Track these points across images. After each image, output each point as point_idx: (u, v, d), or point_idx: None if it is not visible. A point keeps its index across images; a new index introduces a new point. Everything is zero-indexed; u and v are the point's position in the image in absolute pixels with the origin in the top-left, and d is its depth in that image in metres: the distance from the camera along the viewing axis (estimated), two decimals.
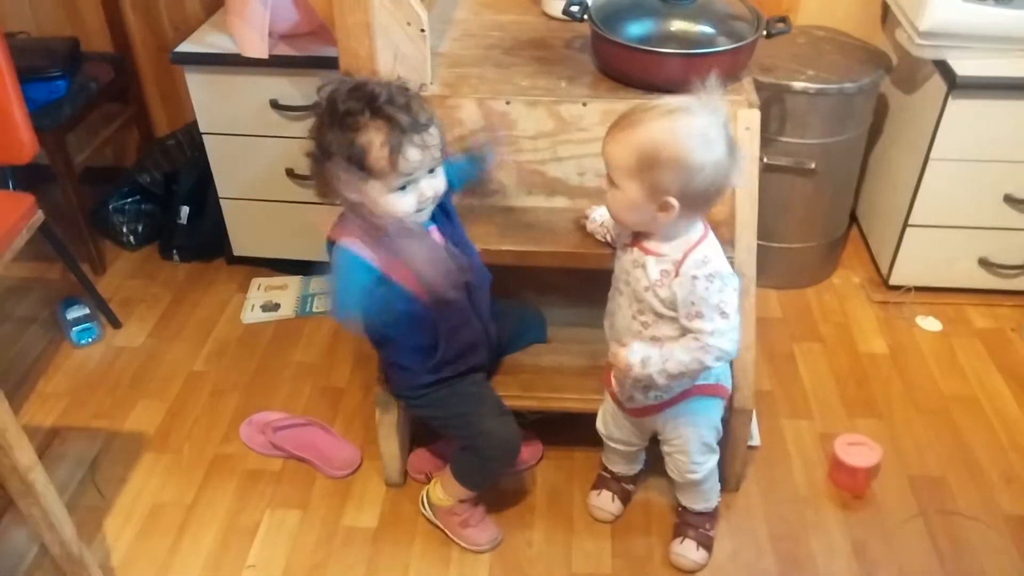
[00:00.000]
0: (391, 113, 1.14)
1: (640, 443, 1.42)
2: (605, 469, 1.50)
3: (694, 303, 1.14)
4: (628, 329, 1.23)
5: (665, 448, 1.36)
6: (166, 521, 1.49)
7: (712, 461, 1.35)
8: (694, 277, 1.13)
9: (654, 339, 1.20)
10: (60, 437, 1.66)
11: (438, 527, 1.45)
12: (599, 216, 1.41)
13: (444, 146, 1.23)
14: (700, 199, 1.12)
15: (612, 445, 1.44)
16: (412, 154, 1.15)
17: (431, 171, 1.20)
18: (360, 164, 1.15)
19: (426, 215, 1.24)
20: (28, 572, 1.40)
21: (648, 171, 1.10)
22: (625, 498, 1.49)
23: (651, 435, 1.39)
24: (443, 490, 1.41)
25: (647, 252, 1.18)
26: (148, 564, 1.42)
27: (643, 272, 1.18)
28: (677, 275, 1.15)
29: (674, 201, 1.10)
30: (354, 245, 1.18)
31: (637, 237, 1.20)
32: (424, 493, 1.47)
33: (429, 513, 1.46)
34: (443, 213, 1.30)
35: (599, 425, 1.43)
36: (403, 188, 1.18)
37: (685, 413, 1.29)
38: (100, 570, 1.32)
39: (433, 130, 1.19)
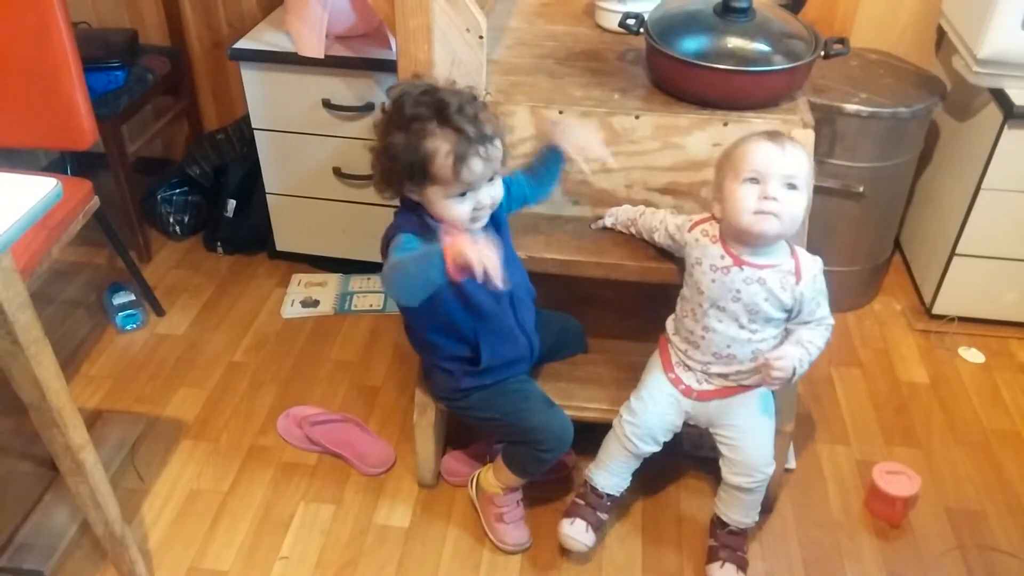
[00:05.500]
0: (460, 124, 1.14)
1: (655, 446, 1.37)
2: (585, 493, 1.41)
3: (815, 297, 1.28)
4: (734, 340, 1.30)
5: (734, 443, 1.34)
6: (202, 508, 1.51)
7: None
8: (815, 276, 1.27)
9: (762, 342, 1.30)
10: (102, 419, 1.69)
11: (477, 513, 1.47)
12: (616, 212, 1.45)
13: (506, 155, 1.23)
14: None
15: (616, 456, 1.38)
16: (476, 165, 1.16)
17: (490, 180, 1.21)
18: (423, 169, 1.16)
19: (480, 224, 1.24)
20: (67, 551, 1.43)
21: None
22: (599, 528, 1.40)
23: (671, 438, 1.38)
24: (494, 475, 1.42)
25: (761, 267, 1.26)
26: (184, 549, 1.44)
27: (761, 286, 1.26)
28: (800, 280, 1.26)
29: None
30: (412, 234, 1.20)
31: (737, 257, 1.26)
32: (476, 474, 1.48)
33: (474, 495, 1.48)
34: (494, 227, 1.30)
35: (623, 432, 1.37)
36: (462, 195, 1.19)
37: (759, 395, 1.34)
38: (139, 551, 1.34)
39: (497, 142, 1.19)
